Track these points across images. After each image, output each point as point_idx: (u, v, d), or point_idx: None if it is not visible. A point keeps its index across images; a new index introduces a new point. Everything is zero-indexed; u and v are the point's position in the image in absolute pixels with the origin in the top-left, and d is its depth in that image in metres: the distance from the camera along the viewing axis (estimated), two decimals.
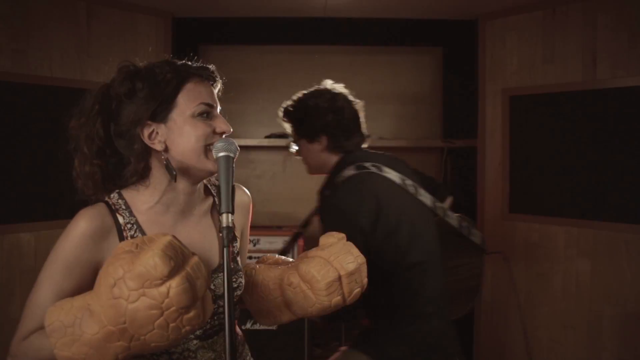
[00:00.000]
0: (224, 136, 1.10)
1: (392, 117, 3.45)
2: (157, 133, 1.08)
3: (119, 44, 2.82)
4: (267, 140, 3.26)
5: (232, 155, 1.03)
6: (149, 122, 1.07)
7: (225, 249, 0.93)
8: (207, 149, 1.07)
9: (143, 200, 1.10)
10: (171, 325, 0.85)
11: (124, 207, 1.09)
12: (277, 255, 1.32)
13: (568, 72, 2.72)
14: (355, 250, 1.12)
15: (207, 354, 1.14)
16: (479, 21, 3.05)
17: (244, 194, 1.29)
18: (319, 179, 1.93)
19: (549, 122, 2.83)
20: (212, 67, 1.15)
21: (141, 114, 1.06)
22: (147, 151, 1.09)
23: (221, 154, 1.03)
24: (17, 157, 2.52)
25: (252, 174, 3.46)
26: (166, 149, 1.08)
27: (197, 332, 1.12)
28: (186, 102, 1.07)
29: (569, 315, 2.74)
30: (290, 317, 1.19)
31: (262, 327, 2.80)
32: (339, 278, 1.08)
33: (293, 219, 3.41)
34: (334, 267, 1.08)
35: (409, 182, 1.74)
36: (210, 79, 1.14)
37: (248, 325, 2.80)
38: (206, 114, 1.09)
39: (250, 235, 2.96)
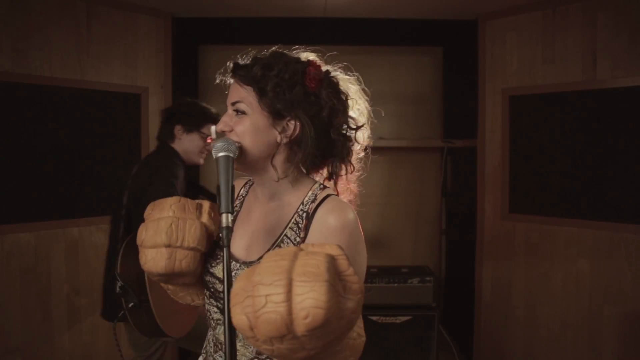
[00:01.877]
0: (225, 135, 1.10)
1: (392, 117, 3.45)
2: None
3: (119, 44, 2.83)
4: None
5: (231, 155, 1.02)
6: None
7: (225, 249, 0.93)
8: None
9: None
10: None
11: (250, 183, 1.27)
12: None
13: (568, 72, 2.72)
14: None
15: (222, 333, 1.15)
16: (479, 21, 3.05)
17: (327, 214, 1.06)
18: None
19: (549, 122, 2.83)
20: (235, 62, 1.17)
21: None
22: None
23: (220, 154, 1.02)
24: (17, 157, 2.52)
25: None
26: None
27: (219, 305, 1.15)
28: None
29: (569, 315, 2.74)
30: None
31: None
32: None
33: None
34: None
35: None
36: (234, 76, 1.15)
37: None
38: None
39: None
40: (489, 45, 3.02)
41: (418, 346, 2.93)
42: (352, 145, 1.17)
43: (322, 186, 1.13)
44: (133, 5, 2.85)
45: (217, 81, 1.20)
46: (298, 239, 1.08)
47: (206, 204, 1.13)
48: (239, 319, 0.75)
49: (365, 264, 1.13)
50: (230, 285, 0.92)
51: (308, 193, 1.11)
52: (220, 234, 0.95)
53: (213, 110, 2.26)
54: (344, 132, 1.15)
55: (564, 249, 2.76)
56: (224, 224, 0.95)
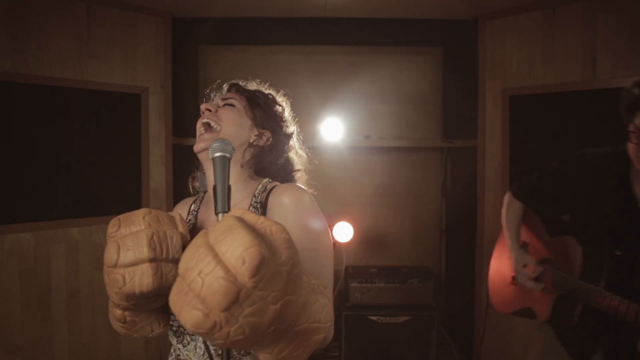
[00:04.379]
0: (207, 115, 1.24)
1: (392, 117, 3.45)
2: None
3: (119, 44, 2.83)
4: None
5: (227, 155, 1.03)
6: None
7: None
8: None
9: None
10: (105, 278, 0.96)
11: (200, 198, 1.34)
12: None
13: (568, 72, 2.72)
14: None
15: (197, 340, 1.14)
16: (479, 21, 3.05)
17: (280, 194, 1.15)
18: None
19: (549, 122, 2.83)
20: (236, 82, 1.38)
21: None
22: None
23: (217, 154, 1.03)
24: (17, 157, 2.52)
25: None
26: None
27: None
28: None
29: None
30: None
31: None
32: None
33: None
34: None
35: None
36: (233, 88, 1.37)
37: None
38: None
39: None
40: (489, 45, 3.02)
41: (418, 346, 2.93)
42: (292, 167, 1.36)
43: (270, 180, 1.26)
44: (133, 5, 2.85)
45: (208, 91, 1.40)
46: None
47: (177, 215, 1.06)
48: (192, 315, 0.72)
49: (330, 241, 1.15)
50: None
51: (258, 187, 1.23)
52: None
53: None
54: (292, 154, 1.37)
55: None
56: None
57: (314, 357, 3.31)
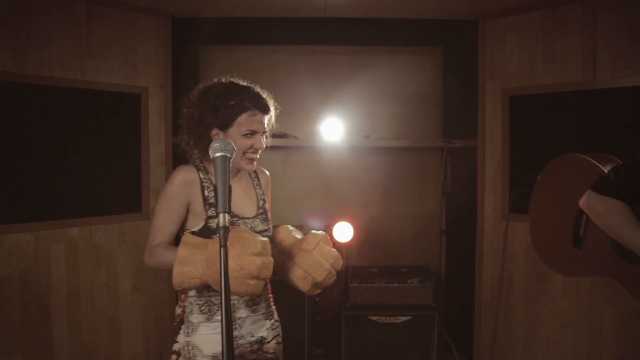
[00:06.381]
0: (259, 152, 1.61)
1: (392, 117, 3.45)
2: (218, 135, 1.55)
3: (119, 44, 2.83)
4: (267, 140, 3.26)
5: (228, 155, 1.10)
6: (216, 127, 1.55)
7: (222, 249, 0.95)
8: (243, 155, 1.57)
9: (212, 168, 1.59)
10: (238, 280, 1.32)
11: (203, 169, 1.60)
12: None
13: (568, 72, 2.72)
14: (325, 262, 1.54)
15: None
16: (479, 21, 3.05)
17: (262, 173, 1.85)
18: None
19: (549, 122, 2.83)
20: (266, 99, 1.61)
21: (210, 123, 1.55)
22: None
23: (217, 154, 1.08)
24: (17, 157, 2.52)
25: None
26: None
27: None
28: (240, 126, 1.55)
29: (569, 315, 2.74)
30: None
31: None
32: (315, 284, 1.57)
33: (292, 219, 3.41)
34: (310, 279, 1.55)
35: None
36: (264, 111, 1.58)
37: None
38: (250, 134, 1.55)
39: None
40: (489, 45, 3.02)
41: (418, 346, 2.93)
42: None
43: None
44: (133, 5, 2.85)
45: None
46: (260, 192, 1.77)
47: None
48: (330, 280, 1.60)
49: None
50: (227, 279, 0.98)
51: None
52: (218, 234, 0.97)
53: None
54: None
55: None
56: (221, 224, 0.97)
57: (314, 357, 3.29)
